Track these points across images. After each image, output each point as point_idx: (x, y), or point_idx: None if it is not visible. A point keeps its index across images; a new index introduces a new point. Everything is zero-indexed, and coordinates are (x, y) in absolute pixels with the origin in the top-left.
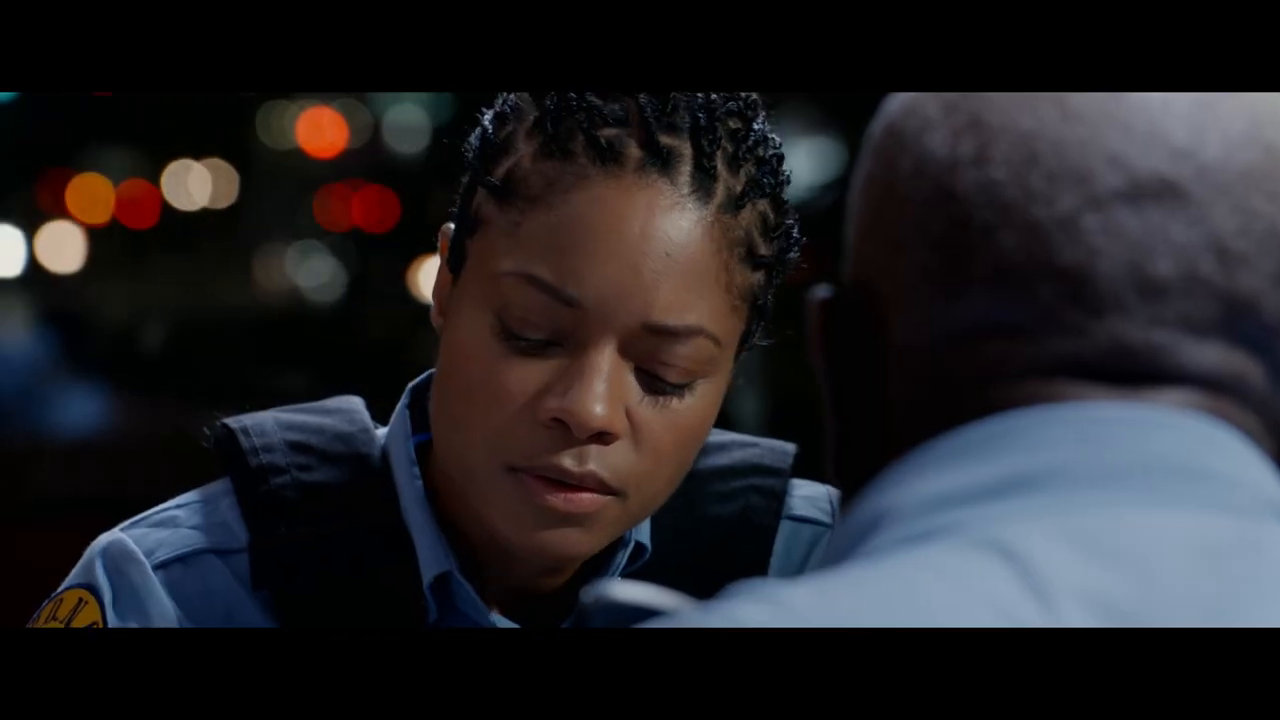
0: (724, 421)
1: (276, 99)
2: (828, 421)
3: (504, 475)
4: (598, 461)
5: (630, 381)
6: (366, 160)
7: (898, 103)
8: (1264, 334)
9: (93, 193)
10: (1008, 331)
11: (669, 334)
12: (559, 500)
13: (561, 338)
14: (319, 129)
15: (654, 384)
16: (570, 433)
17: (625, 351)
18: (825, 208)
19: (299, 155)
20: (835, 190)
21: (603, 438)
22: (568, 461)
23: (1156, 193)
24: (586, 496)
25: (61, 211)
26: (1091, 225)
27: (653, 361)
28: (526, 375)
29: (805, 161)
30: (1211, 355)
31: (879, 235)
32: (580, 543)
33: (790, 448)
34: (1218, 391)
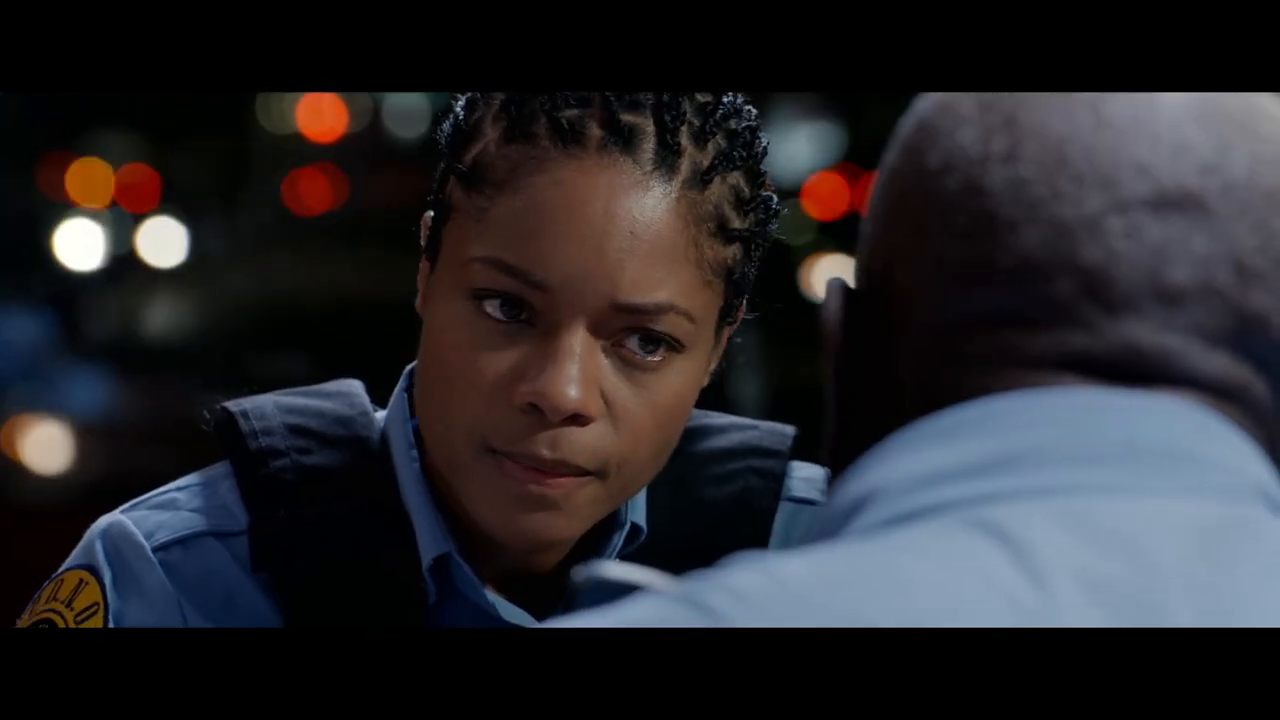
0: (723, 406)
1: None
2: (831, 404)
3: (483, 459)
4: (573, 444)
5: (603, 362)
6: (367, 144)
7: (930, 100)
8: (1272, 352)
9: (92, 176)
10: (1023, 322)
11: (639, 312)
12: (534, 484)
13: (533, 321)
14: (319, 113)
15: (628, 363)
16: (545, 416)
17: (596, 332)
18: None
19: (298, 139)
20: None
21: (577, 420)
22: (543, 448)
23: (1180, 203)
24: (563, 479)
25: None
26: (1115, 228)
27: (625, 340)
28: (501, 360)
29: (805, 146)
30: (1219, 364)
31: (902, 224)
32: (559, 526)
33: (789, 430)
34: (1221, 397)
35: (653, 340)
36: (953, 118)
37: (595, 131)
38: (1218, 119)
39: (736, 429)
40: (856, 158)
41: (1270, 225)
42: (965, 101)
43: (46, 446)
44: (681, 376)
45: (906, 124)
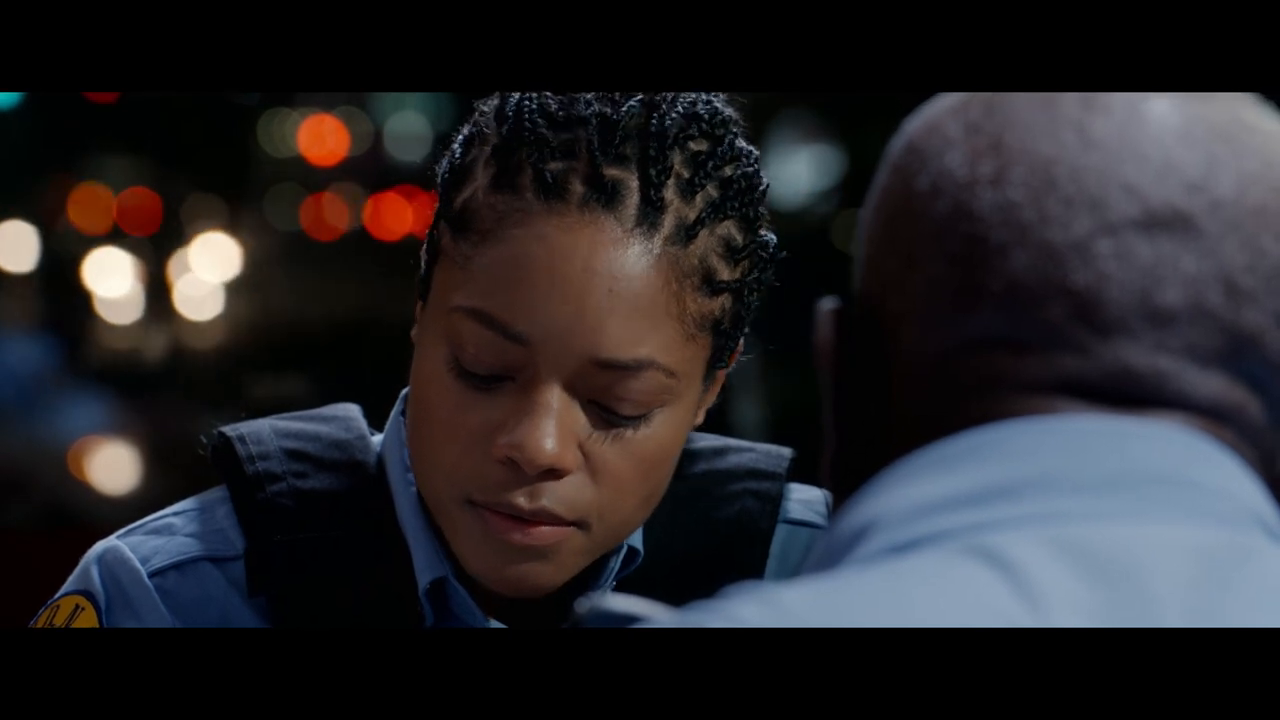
0: (723, 429)
1: (278, 107)
2: (827, 429)
3: (465, 509)
4: (551, 497)
5: (580, 417)
6: (370, 167)
7: (918, 121)
8: (1265, 371)
9: (94, 201)
10: (1015, 346)
11: (618, 368)
12: (516, 535)
13: (513, 373)
14: (320, 137)
15: (607, 418)
16: (522, 469)
17: (575, 387)
18: (825, 215)
19: (300, 163)
20: (836, 197)
21: (554, 474)
22: (520, 498)
23: (1169, 223)
24: (545, 530)
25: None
26: (1104, 250)
27: (604, 395)
28: (480, 411)
29: (805, 169)
30: (1213, 385)
31: (893, 249)
32: (545, 575)
33: (786, 452)
34: (1216, 419)
35: (631, 396)
36: (940, 139)
37: (578, 187)
38: (1204, 136)
39: (733, 451)
40: (856, 181)
41: (1259, 242)
42: (951, 123)
43: (114, 467)
44: (664, 428)
45: (895, 144)
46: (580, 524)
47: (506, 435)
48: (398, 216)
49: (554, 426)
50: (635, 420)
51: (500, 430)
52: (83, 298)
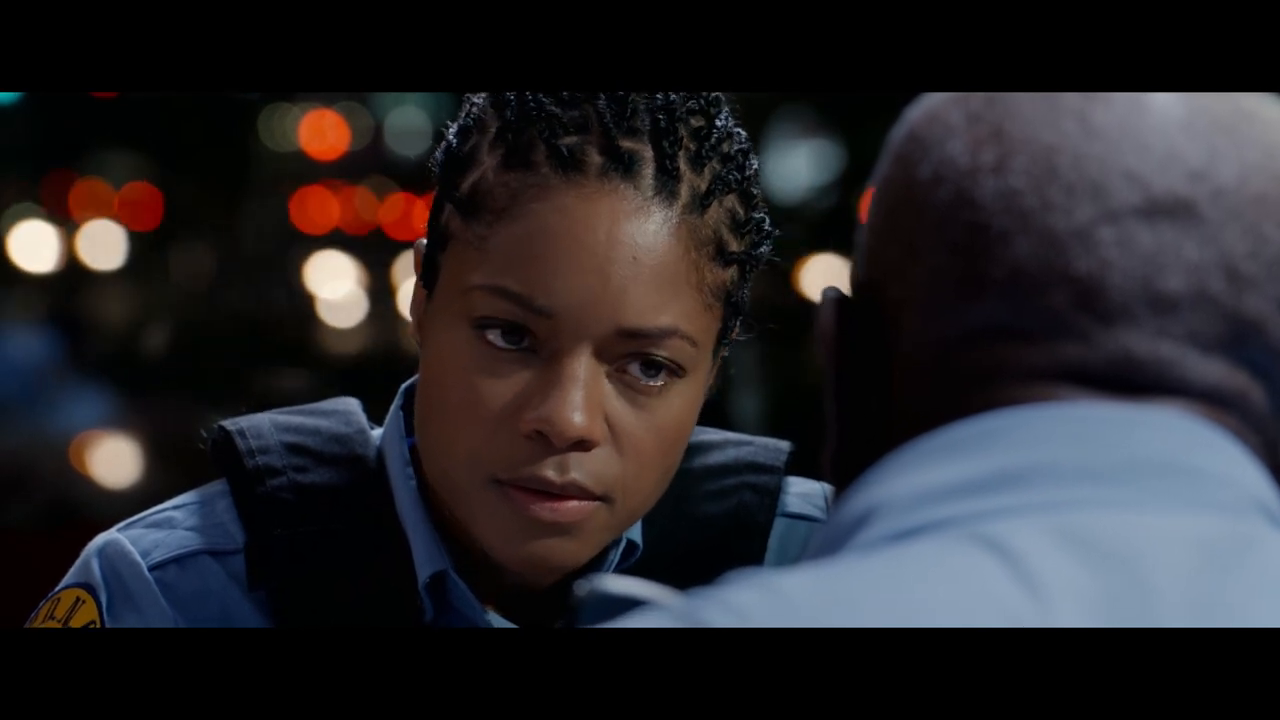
0: (723, 420)
1: (279, 102)
2: (829, 418)
3: (489, 488)
4: (579, 469)
5: (607, 387)
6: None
7: (920, 110)
8: (1268, 357)
9: (95, 195)
10: (1018, 334)
11: (643, 337)
12: (545, 511)
13: (536, 348)
14: (320, 132)
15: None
16: (551, 443)
17: (600, 357)
18: (826, 210)
19: (300, 157)
20: (836, 192)
21: (583, 445)
22: (550, 471)
23: (1171, 211)
24: (572, 505)
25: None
26: (1106, 237)
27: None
28: (504, 388)
29: (805, 164)
30: (1215, 371)
31: (895, 237)
32: (570, 551)
33: (785, 445)
34: (1219, 406)
35: (655, 365)
36: (942, 128)
37: (595, 158)
38: (1205, 125)
39: (732, 445)
40: (856, 174)
41: (1261, 230)
42: (953, 112)
43: (115, 462)
44: (682, 399)
45: (897, 133)
46: (606, 498)
47: (534, 409)
48: (323, 210)
49: (582, 398)
50: (658, 391)
51: (526, 405)
52: (307, 299)
